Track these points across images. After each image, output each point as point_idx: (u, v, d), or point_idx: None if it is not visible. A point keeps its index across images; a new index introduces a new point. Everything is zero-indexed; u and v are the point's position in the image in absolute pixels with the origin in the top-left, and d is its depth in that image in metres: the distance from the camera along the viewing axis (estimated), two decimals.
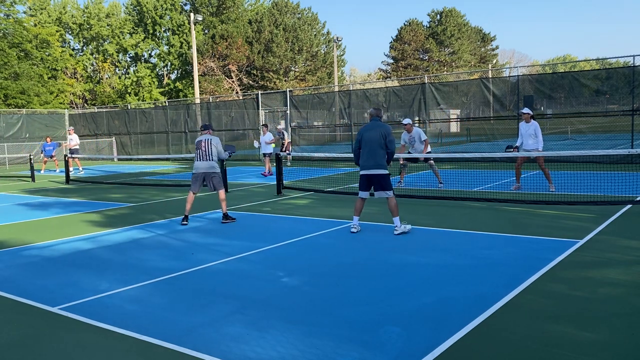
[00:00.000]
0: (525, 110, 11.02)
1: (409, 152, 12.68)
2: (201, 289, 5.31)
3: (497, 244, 6.68)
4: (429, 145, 12.69)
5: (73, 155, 20.70)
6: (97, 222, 9.57)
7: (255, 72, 51.22)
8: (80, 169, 21.98)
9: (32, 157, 19.21)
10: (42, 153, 22.75)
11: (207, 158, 8.94)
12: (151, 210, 10.71)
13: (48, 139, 22.93)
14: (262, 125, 17.78)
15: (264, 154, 17.15)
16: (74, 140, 21.60)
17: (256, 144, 16.86)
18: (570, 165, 14.82)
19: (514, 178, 11.83)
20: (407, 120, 12.75)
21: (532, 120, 10.87)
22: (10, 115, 30.98)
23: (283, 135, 19.18)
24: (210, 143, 8.96)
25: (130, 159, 28.31)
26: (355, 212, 7.84)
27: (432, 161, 12.64)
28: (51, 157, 22.38)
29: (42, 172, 22.26)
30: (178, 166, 24.02)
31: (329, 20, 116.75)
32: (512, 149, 10.95)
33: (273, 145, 17.38)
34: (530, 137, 10.78)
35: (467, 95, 22.29)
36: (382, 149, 7.53)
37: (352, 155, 8.31)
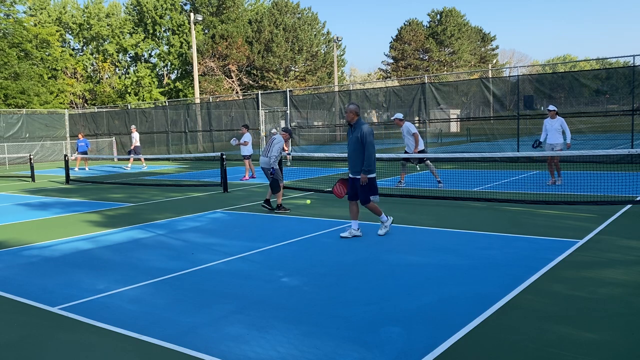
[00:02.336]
0: (551, 107, 11.72)
1: (405, 152, 12.64)
2: (201, 289, 5.31)
3: (497, 244, 6.68)
4: (420, 142, 12.40)
5: (136, 155, 21.86)
6: (97, 222, 9.57)
7: (255, 72, 51.22)
8: (144, 164, 23.67)
9: (32, 157, 19.23)
10: (76, 151, 22.95)
11: (265, 154, 9.88)
12: (151, 210, 10.71)
13: (80, 135, 23.33)
14: (242, 125, 17.57)
15: (243, 157, 16.69)
16: (136, 138, 22.36)
17: (234, 142, 16.48)
18: (570, 165, 14.82)
19: (515, 178, 11.85)
20: (398, 115, 12.76)
21: (557, 116, 11.59)
22: (10, 115, 30.98)
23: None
24: (272, 143, 9.85)
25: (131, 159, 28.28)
26: (380, 212, 7.53)
27: (428, 161, 12.64)
28: (85, 153, 22.64)
29: (76, 169, 22.83)
30: (178, 166, 24.03)
31: (329, 20, 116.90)
32: (537, 144, 11.66)
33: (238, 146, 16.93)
34: (557, 132, 11.50)
35: (467, 95, 22.29)
36: None
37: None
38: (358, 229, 7.47)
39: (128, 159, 23.52)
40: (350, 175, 7.41)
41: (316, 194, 12.08)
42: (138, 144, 22.37)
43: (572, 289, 4.85)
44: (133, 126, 23.54)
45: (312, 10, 55.72)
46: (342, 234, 7.40)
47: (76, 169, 23.08)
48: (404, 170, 12.88)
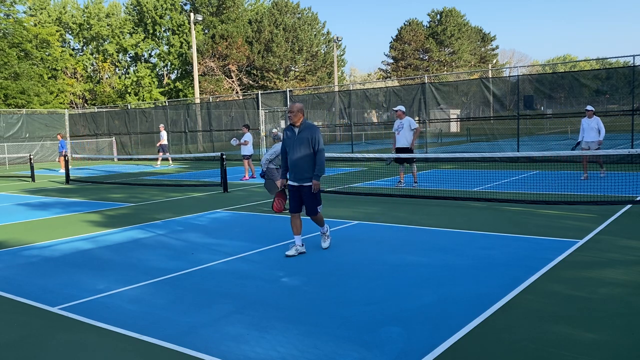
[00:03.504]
0: (589, 107, 12.45)
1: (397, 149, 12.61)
2: (201, 289, 5.31)
3: (497, 244, 6.68)
4: (416, 138, 12.69)
5: (164, 155, 22.26)
6: (97, 222, 9.57)
7: (255, 72, 51.23)
8: (170, 162, 24.16)
9: (32, 157, 19.23)
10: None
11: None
12: (151, 210, 10.70)
13: (59, 136, 23.39)
14: (243, 125, 17.56)
15: (243, 156, 16.61)
16: (163, 136, 22.80)
17: (234, 142, 16.44)
18: (570, 165, 14.82)
19: (515, 178, 11.86)
20: (401, 108, 12.76)
21: (594, 116, 12.31)
22: (10, 115, 30.99)
23: (279, 137, 19.06)
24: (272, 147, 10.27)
25: (131, 159, 28.31)
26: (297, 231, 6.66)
27: (414, 164, 12.79)
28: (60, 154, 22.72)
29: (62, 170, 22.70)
30: (178, 166, 24.02)
31: (329, 20, 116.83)
32: (577, 144, 12.51)
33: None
34: (593, 131, 12.17)
35: (467, 95, 22.29)
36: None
37: (352, 155, 8.16)
38: (302, 244, 6.62)
39: (166, 159, 24.01)
40: (295, 184, 6.53)
41: None
42: (165, 142, 22.83)
43: (572, 289, 4.85)
44: (162, 125, 24.03)
45: (312, 10, 55.77)
46: (288, 252, 6.48)
47: (61, 170, 22.88)
48: (402, 170, 12.85)
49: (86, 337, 4.16)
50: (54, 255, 7.01)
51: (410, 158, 12.56)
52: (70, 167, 18.35)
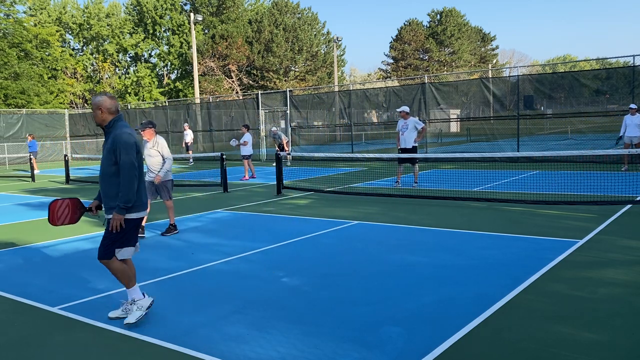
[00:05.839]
0: (633, 105, 13.84)
1: (401, 150, 12.56)
2: (201, 289, 5.31)
3: (497, 244, 6.68)
4: (422, 135, 12.79)
5: (189, 154, 22.90)
6: (97, 222, 9.57)
7: (255, 72, 51.22)
8: (191, 160, 24.67)
9: (31, 157, 19.24)
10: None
11: None
12: (151, 210, 10.68)
13: (30, 137, 23.35)
14: (243, 125, 17.56)
15: (242, 157, 16.54)
16: (189, 135, 23.48)
17: (233, 143, 16.41)
18: (570, 165, 14.83)
19: (515, 178, 11.87)
20: (404, 108, 12.73)
21: (637, 113, 13.62)
22: (10, 115, 30.99)
23: (279, 136, 19.09)
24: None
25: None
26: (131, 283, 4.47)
27: (417, 166, 12.77)
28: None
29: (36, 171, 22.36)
30: (178, 166, 24.01)
31: (329, 20, 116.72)
32: (620, 139, 13.87)
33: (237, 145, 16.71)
34: (637, 127, 13.53)
35: (467, 95, 22.30)
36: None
37: (352, 155, 8.06)
38: (144, 296, 4.51)
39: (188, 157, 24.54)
40: (106, 216, 4.43)
41: (316, 194, 12.08)
42: (189, 140, 23.34)
43: (572, 289, 4.85)
44: (186, 124, 24.49)
45: (312, 10, 55.73)
46: (110, 314, 4.56)
47: (37, 170, 22.61)
48: (401, 171, 12.83)
49: (86, 337, 4.16)
50: (54, 255, 7.01)
51: (413, 159, 12.55)
52: (70, 167, 18.33)
